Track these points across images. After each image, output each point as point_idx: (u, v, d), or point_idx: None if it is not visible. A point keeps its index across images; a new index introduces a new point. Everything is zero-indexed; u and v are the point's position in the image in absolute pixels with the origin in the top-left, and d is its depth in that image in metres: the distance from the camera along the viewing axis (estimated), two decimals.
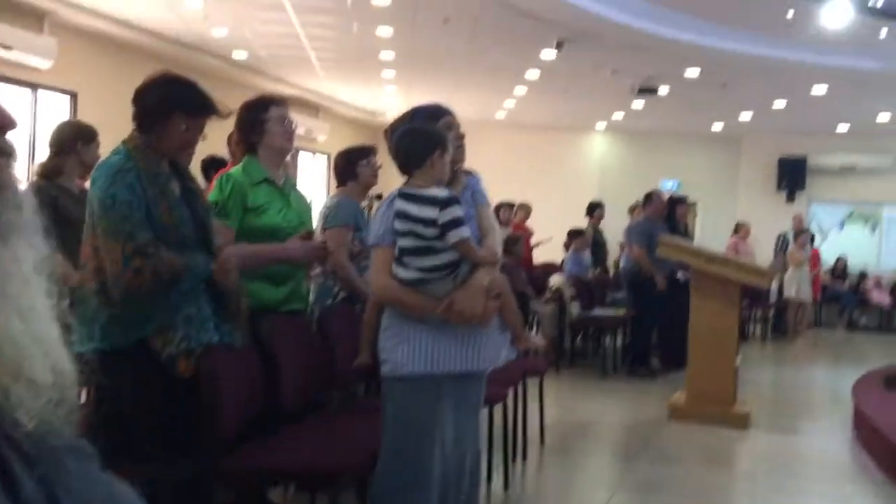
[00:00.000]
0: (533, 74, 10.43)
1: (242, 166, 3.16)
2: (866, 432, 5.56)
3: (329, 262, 3.83)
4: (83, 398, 2.13)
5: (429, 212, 2.43)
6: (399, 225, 2.46)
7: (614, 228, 10.38)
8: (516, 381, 4.61)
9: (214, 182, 3.23)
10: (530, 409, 4.96)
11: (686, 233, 8.54)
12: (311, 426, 3.15)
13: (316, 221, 4.19)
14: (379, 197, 9.14)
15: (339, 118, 13.88)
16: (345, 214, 3.99)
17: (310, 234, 3.17)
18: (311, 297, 4.03)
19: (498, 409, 4.23)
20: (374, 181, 4.27)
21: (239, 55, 10.01)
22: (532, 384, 5.07)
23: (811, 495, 4.54)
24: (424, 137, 2.51)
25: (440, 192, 2.46)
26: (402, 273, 2.46)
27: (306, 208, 3.41)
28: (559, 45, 8.79)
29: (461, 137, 2.70)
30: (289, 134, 3.25)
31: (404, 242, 2.47)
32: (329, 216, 3.99)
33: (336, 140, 11.80)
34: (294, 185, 3.42)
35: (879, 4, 7.28)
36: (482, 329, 2.54)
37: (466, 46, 9.13)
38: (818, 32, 7.79)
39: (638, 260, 7.94)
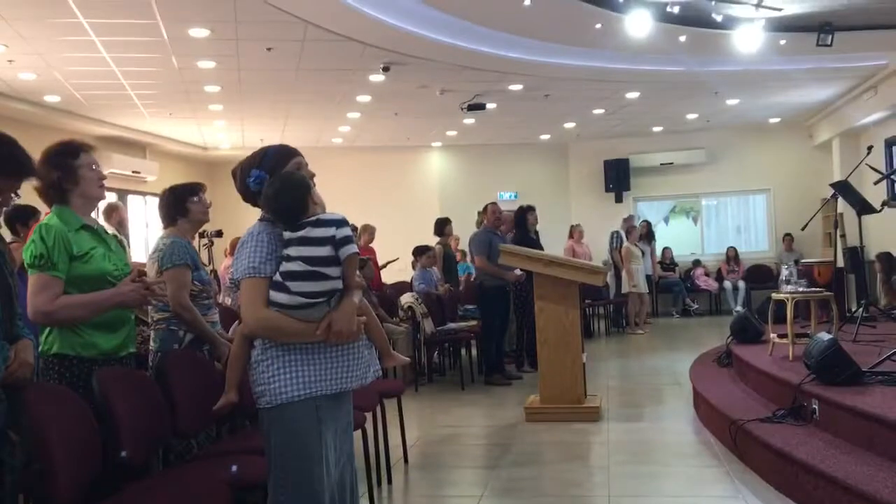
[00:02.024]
0: (364, 98, 10.51)
1: (57, 215, 3.01)
2: (704, 410, 5.96)
3: (172, 304, 3.73)
4: None
5: (327, 231, 2.55)
6: (294, 251, 2.52)
7: (462, 242, 10.62)
8: (374, 405, 4.61)
9: (31, 234, 3.05)
10: (391, 431, 4.98)
11: (537, 239, 8.86)
12: (159, 480, 3.01)
13: (147, 263, 4.03)
14: (219, 234, 8.96)
15: (168, 156, 13.37)
16: (181, 253, 3.86)
17: (141, 275, 3.06)
18: (154, 345, 3.88)
19: (357, 434, 4.19)
20: (206, 218, 4.15)
21: (51, 99, 9.46)
22: (391, 406, 5.09)
23: (662, 478, 4.79)
24: (299, 187, 2.59)
25: (335, 214, 2.62)
26: (285, 298, 2.49)
27: (124, 251, 3.31)
28: (386, 69, 8.91)
29: (313, 176, 2.74)
30: (101, 181, 3.13)
31: (293, 267, 2.51)
32: (164, 257, 3.84)
33: (167, 179, 11.37)
34: (104, 229, 3.28)
35: (676, 10, 7.87)
36: (351, 348, 2.62)
37: (294, 74, 9.06)
38: (625, 41, 8.33)
39: (481, 269, 8.16)
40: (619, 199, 15.00)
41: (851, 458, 3.94)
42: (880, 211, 6.68)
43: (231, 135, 12.73)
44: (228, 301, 7.12)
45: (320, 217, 2.58)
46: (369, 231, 10.52)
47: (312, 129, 12.66)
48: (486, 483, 4.76)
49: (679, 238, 15.27)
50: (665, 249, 14.73)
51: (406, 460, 5.23)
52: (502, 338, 8.37)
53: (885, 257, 9.74)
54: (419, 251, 9.57)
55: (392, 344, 8.27)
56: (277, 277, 2.52)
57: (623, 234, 12.77)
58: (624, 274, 12.28)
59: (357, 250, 2.61)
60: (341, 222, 2.59)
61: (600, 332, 12.33)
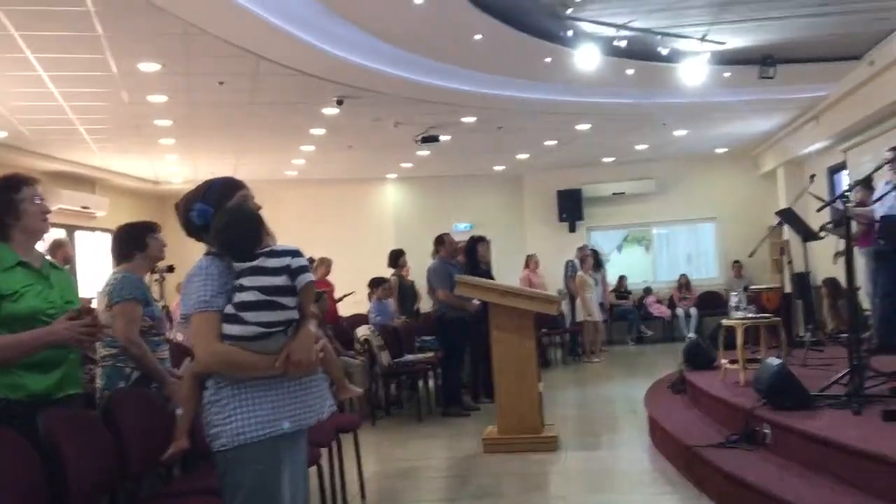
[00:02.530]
0: (318, 131, 10.51)
1: None
2: (660, 436, 6.01)
3: (121, 339, 3.67)
4: None
5: (282, 261, 2.52)
6: (248, 281, 2.46)
7: (416, 273, 10.59)
8: (329, 440, 4.56)
9: None
10: (347, 466, 4.92)
11: (489, 270, 8.88)
12: None
13: (97, 298, 3.97)
14: (170, 269, 8.82)
15: (118, 191, 13.17)
16: (132, 288, 3.83)
17: (80, 312, 2.94)
18: (100, 383, 3.80)
19: (313, 470, 4.13)
20: (162, 256, 4.17)
21: None
22: (347, 440, 5.03)
23: None
24: (251, 219, 2.57)
25: (289, 246, 2.60)
26: (239, 330, 2.43)
27: (70, 287, 3.21)
28: (340, 102, 8.94)
29: (259, 209, 2.70)
30: (45, 215, 3.06)
31: (248, 297, 2.45)
32: (114, 291, 3.80)
33: (117, 214, 11.19)
34: (51, 264, 3.20)
35: (624, 44, 8.05)
36: (308, 383, 2.56)
37: (247, 108, 9.03)
38: (575, 75, 8.49)
39: (445, 301, 8.12)
40: (572, 229, 15.18)
41: (804, 481, 4.01)
42: (823, 237, 6.86)
43: (183, 169, 12.60)
44: (181, 337, 7.00)
45: (274, 248, 2.55)
46: (326, 264, 10.47)
47: (267, 162, 12.61)
48: None
49: (632, 267, 15.49)
50: (621, 278, 14.94)
51: (363, 496, 5.17)
52: (461, 368, 8.37)
53: (831, 283, 10.00)
54: (375, 283, 9.54)
55: (348, 377, 8.19)
56: (230, 309, 2.45)
57: (577, 263, 12.89)
58: (579, 302, 12.38)
59: (313, 279, 2.59)
60: (296, 252, 2.56)
61: (557, 361, 12.38)
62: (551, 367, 11.75)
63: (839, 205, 5.36)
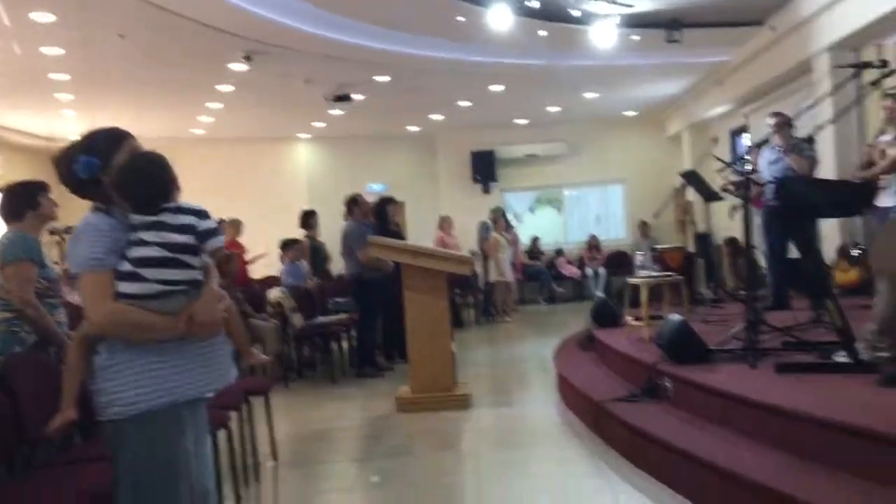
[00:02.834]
0: (225, 88, 10.19)
1: None
2: (568, 392, 6.18)
3: (16, 301, 3.53)
4: None
5: (188, 220, 2.35)
6: (149, 236, 2.29)
7: (329, 234, 10.45)
8: (238, 403, 4.50)
9: None
10: (258, 429, 4.87)
11: (399, 231, 8.83)
12: (8, 493, 2.82)
13: None
14: (69, 230, 8.46)
15: (12, 148, 12.49)
16: (25, 248, 3.69)
17: None
18: None
19: (223, 434, 4.08)
20: (55, 216, 4.01)
21: None
22: (258, 403, 4.98)
23: (530, 461, 4.93)
24: (159, 164, 2.39)
25: (197, 205, 2.42)
26: (136, 288, 2.26)
27: None
28: (248, 58, 8.68)
29: None
30: None
31: (149, 252, 2.28)
32: (6, 251, 3.66)
33: (10, 173, 10.62)
34: None
35: (536, 5, 8.06)
36: (210, 346, 2.41)
37: (148, 63, 8.67)
38: (488, 35, 8.47)
39: (365, 262, 8.01)
40: (486, 190, 15.28)
41: (703, 432, 4.19)
42: (723, 199, 7.10)
43: (81, 126, 12.02)
44: (79, 299, 6.77)
45: (181, 205, 2.40)
46: (236, 225, 10.24)
47: (173, 119, 12.19)
48: (357, 475, 4.75)
49: (544, 228, 15.74)
50: (534, 239, 15.18)
51: (275, 458, 5.13)
52: (376, 329, 8.37)
53: (731, 242, 10.41)
54: (287, 245, 9.39)
55: (260, 341, 8.06)
56: (126, 266, 2.28)
57: (491, 224, 12.99)
58: (491, 263, 12.52)
59: (223, 243, 2.47)
60: (203, 213, 2.41)
61: (470, 321, 12.53)
62: (464, 327, 11.88)
63: (738, 167, 5.56)
